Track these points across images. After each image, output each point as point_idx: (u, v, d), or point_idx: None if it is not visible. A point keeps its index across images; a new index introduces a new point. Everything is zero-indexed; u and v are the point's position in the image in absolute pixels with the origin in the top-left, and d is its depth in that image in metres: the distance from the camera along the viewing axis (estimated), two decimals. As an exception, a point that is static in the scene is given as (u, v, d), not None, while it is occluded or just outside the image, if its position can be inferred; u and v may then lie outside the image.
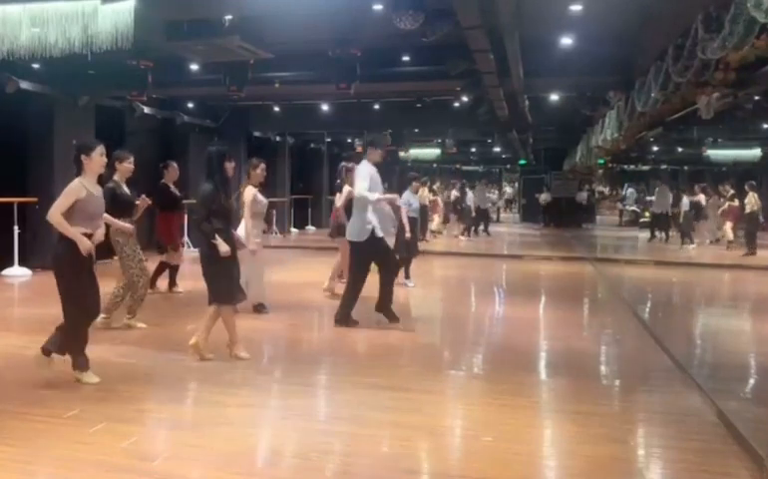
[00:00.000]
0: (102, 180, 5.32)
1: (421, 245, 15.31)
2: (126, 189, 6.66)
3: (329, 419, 4.50)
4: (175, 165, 8.93)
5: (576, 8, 8.22)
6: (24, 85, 10.52)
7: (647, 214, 24.70)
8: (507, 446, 3.94)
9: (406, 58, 10.53)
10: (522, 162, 27.59)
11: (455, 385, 5.34)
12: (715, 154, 22.60)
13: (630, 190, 31.65)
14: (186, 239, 12.66)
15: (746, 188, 15.72)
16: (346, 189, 8.34)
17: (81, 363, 4.88)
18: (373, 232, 6.73)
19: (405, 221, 9.95)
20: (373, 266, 7.11)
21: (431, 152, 24.60)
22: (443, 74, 10.37)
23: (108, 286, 6.62)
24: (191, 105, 15.38)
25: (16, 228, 10.22)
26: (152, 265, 8.85)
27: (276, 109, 16.66)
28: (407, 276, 10.14)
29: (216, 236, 5.29)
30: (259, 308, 7.61)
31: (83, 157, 4.86)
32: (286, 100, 15.66)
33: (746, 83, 8.94)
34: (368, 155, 6.95)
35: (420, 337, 7.10)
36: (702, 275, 12.83)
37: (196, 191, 6.08)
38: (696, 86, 8.28)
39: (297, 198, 21.27)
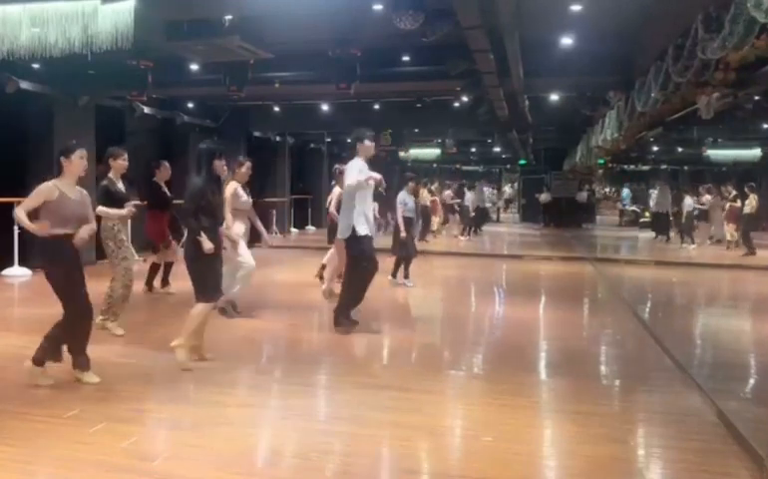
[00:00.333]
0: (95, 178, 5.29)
1: (421, 246, 15.39)
2: (120, 185, 6.64)
3: (329, 419, 4.50)
4: (166, 164, 8.89)
5: (576, 8, 8.22)
6: (24, 85, 10.53)
7: (647, 213, 24.74)
8: (507, 446, 3.94)
9: (406, 58, 10.53)
10: (522, 162, 27.59)
11: (455, 385, 5.34)
12: (715, 154, 22.61)
13: (626, 190, 31.66)
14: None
15: (746, 189, 15.72)
16: (337, 190, 8.36)
17: (81, 363, 4.87)
18: (354, 229, 6.60)
19: (400, 220, 9.98)
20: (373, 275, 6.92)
21: (431, 152, 24.61)
22: (443, 74, 10.37)
23: (102, 287, 6.64)
24: (191, 105, 15.38)
25: (16, 228, 10.22)
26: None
27: (276, 109, 16.66)
28: (406, 276, 10.12)
29: (202, 232, 5.24)
30: (228, 307, 7.36)
31: (62, 159, 4.80)
32: (286, 100, 15.66)
33: (746, 83, 8.94)
34: (358, 151, 6.79)
35: (420, 337, 7.11)
36: (702, 275, 12.83)
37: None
38: (696, 86, 8.28)
39: (297, 198, 21.27)
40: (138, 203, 6.95)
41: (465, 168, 34.80)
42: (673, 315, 9.02)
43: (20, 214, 4.63)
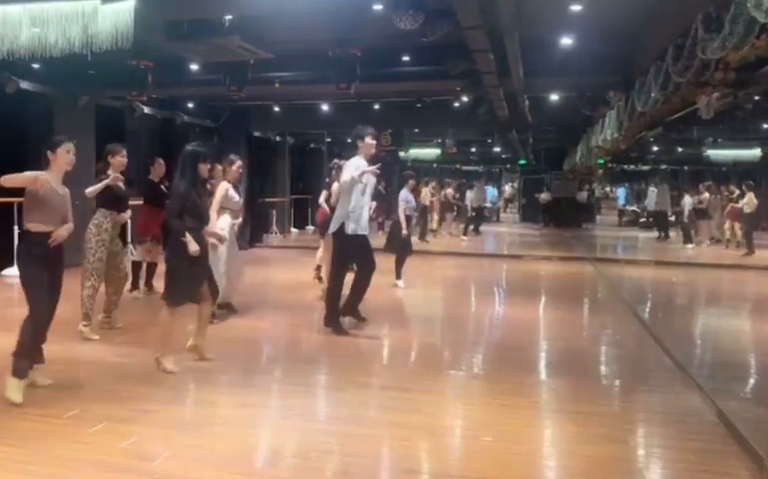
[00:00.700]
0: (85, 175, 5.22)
1: (421, 246, 15.39)
2: (120, 183, 6.61)
3: (329, 419, 4.50)
4: (161, 160, 8.85)
5: (576, 8, 8.21)
6: (24, 85, 10.52)
7: (645, 213, 24.75)
8: (507, 446, 3.94)
9: (406, 58, 10.52)
10: (522, 162, 27.56)
11: (455, 385, 5.34)
12: (715, 154, 22.59)
13: (621, 190, 31.65)
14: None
15: (744, 188, 15.72)
16: (336, 186, 8.36)
17: (19, 368, 4.52)
18: (343, 226, 6.59)
19: (402, 218, 9.98)
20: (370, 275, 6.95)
21: (431, 152, 24.58)
22: (443, 74, 10.36)
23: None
24: (191, 105, 15.37)
25: (16, 227, 10.21)
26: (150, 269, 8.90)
27: (276, 109, 16.65)
28: (398, 277, 10.06)
29: (187, 233, 5.19)
30: (226, 308, 7.33)
31: (48, 153, 4.73)
32: (286, 100, 15.64)
33: (746, 83, 8.93)
34: (359, 149, 6.80)
35: (420, 337, 7.11)
36: (702, 275, 12.83)
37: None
38: (696, 86, 8.27)
39: (297, 198, 21.26)
40: (125, 217, 6.85)
41: (465, 168, 34.77)
42: (673, 315, 9.02)
43: (7, 177, 4.47)
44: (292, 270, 11.91)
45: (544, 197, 26.48)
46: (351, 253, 6.81)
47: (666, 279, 12.17)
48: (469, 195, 21.02)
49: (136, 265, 8.78)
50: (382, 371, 5.79)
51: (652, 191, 24.10)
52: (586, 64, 10.39)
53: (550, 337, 7.21)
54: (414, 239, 11.91)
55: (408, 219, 10.20)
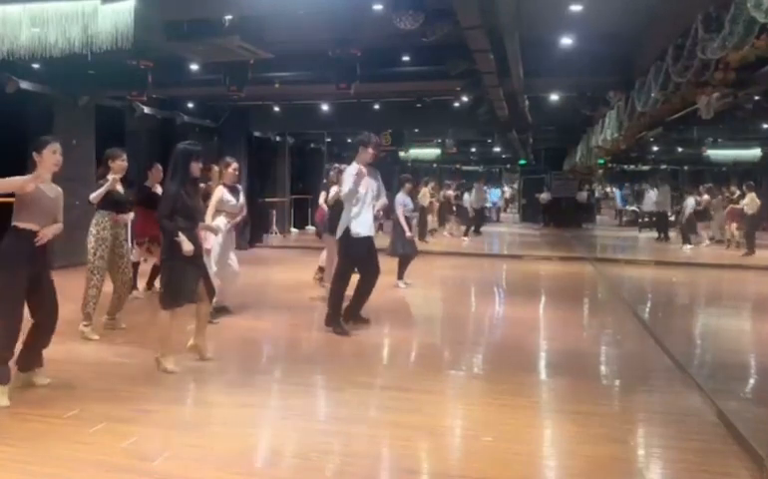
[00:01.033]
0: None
1: (421, 246, 15.38)
2: (119, 187, 6.63)
3: (329, 419, 4.50)
4: (159, 166, 8.81)
5: (577, 8, 8.20)
6: (24, 85, 10.52)
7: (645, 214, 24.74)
8: (507, 446, 3.94)
9: (406, 58, 10.52)
10: (522, 162, 27.56)
11: (455, 385, 5.34)
12: (715, 154, 22.59)
13: (617, 190, 31.63)
14: None
15: (744, 188, 15.70)
16: (334, 189, 8.41)
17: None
18: (348, 230, 6.70)
19: (402, 220, 10.02)
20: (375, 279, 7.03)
21: (431, 152, 24.59)
22: (443, 74, 10.36)
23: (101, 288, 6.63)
24: (191, 105, 15.36)
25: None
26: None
27: (276, 109, 16.64)
28: (400, 277, 10.12)
29: (180, 233, 5.18)
30: (222, 311, 7.32)
31: (34, 154, 4.66)
32: (286, 100, 15.63)
33: (746, 83, 8.93)
34: (359, 155, 6.86)
35: (420, 337, 7.11)
36: (702, 275, 12.83)
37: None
38: (696, 86, 8.27)
39: (297, 198, 21.25)
40: (126, 218, 6.89)
41: (465, 168, 34.78)
42: (673, 315, 9.02)
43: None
44: (292, 270, 11.90)
45: (544, 197, 26.48)
46: (356, 256, 6.84)
47: (666, 279, 12.17)
48: (467, 196, 20.99)
49: (134, 266, 8.78)
50: (382, 371, 5.79)
51: (649, 191, 24.21)
52: (586, 64, 10.38)
53: (550, 337, 7.21)
54: (415, 239, 11.93)
55: (407, 220, 10.24)
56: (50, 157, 4.70)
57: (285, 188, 19.94)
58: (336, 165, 9.37)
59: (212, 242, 6.91)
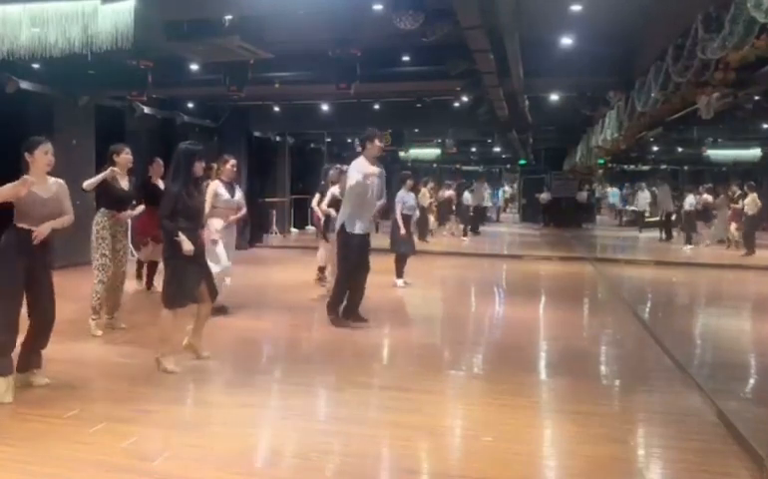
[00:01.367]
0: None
1: (421, 246, 15.38)
2: (124, 183, 6.65)
3: (329, 419, 4.50)
4: (159, 161, 8.84)
5: (577, 8, 8.20)
6: (24, 85, 10.52)
7: (647, 214, 24.71)
8: (507, 446, 3.94)
9: (406, 58, 10.52)
10: (522, 162, 27.56)
11: (455, 385, 5.34)
12: (715, 154, 22.59)
13: (613, 190, 31.63)
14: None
15: (745, 188, 15.69)
16: (334, 189, 8.46)
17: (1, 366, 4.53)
18: (344, 226, 6.81)
19: (399, 218, 10.03)
20: (376, 267, 7.21)
21: (431, 152, 24.58)
22: (443, 74, 10.36)
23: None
24: (191, 105, 15.36)
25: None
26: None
27: (276, 109, 16.64)
28: (399, 276, 10.13)
29: (180, 233, 5.19)
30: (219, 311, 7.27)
31: (26, 155, 4.65)
32: (286, 100, 15.63)
33: (746, 83, 8.93)
34: (367, 150, 6.96)
35: (420, 337, 7.11)
36: (702, 275, 12.83)
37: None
38: (696, 86, 8.27)
39: (297, 198, 21.25)
40: (128, 215, 6.91)
41: (465, 168, 34.77)
42: (673, 315, 9.02)
43: None
44: (292, 270, 11.90)
45: (544, 197, 26.48)
46: (352, 251, 6.92)
47: (666, 279, 12.17)
48: (467, 195, 20.98)
49: (139, 264, 8.84)
50: (382, 371, 5.79)
51: (645, 190, 24.24)
52: (586, 64, 10.38)
53: (550, 337, 7.21)
54: (414, 238, 11.92)
55: (407, 218, 10.24)
56: (42, 157, 4.69)
57: (285, 188, 19.94)
58: (338, 165, 9.37)
59: (216, 237, 6.94)
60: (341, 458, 3.79)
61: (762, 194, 15.69)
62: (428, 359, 6.04)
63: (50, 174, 4.80)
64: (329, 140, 21.78)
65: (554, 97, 14.67)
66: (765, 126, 17.74)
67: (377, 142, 6.97)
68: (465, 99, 12.58)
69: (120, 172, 6.62)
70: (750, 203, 15.06)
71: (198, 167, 5.41)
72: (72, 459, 3.62)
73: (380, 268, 10.33)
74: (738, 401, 4.88)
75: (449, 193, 21.42)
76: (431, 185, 20.23)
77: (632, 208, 28.05)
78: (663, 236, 19.20)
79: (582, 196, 26.78)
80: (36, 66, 10.43)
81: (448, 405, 4.85)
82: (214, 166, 7.94)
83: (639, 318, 8.04)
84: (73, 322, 6.34)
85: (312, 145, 22.62)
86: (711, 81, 7.92)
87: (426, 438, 4.07)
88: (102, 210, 6.54)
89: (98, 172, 6.84)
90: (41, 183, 4.66)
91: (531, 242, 18.97)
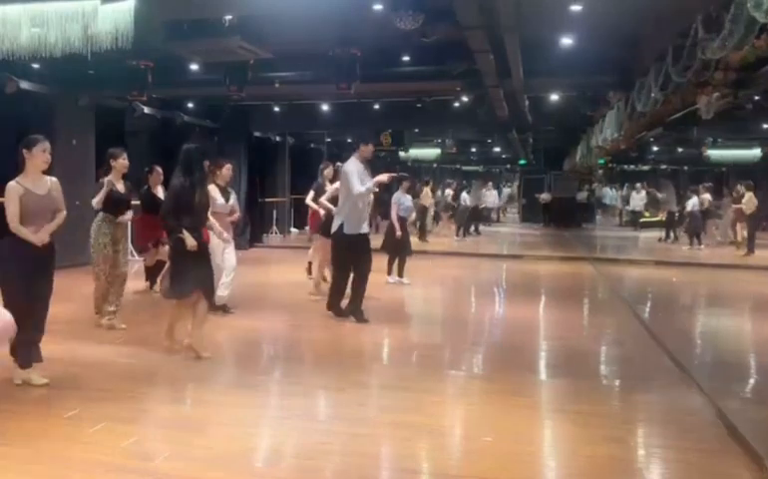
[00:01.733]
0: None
1: (422, 246, 15.40)
2: (120, 186, 6.70)
3: (329, 419, 4.50)
4: (159, 169, 8.83)
5: (576, 8, 8.20)
6: (24, 85, 10.52)
7: (647, 214, 24.70)
8: (507, 446, 3.94)
9: (406, 58, 10.52)
10: (522, 162, 27.56)
11: (455, 385, 5.34)
12: (715, 154, 22.57)
13: (606, 189, 31.64)
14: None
15: (744, 188, 15.68)
16: (332, 186, 8.49)
17: (20, 358, 4.74)
18: (342, 227, 6.95)
19: (395, 219, 10.06)
20: (375, 266, 7.33)
21: (431, 152, 24.56)
22: (443, 74, 10.37)
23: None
24: (191, 105, 15.36)
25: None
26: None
27: (276, 109, 16.64)
28: (400, 275, 10.21)
29: (184, 230, 5.34)
30: (223, 309, 7.40)
31: (24, 152, 4.72)
32: (286, 100, 15.63)
33: (746, 83, 8.94)
34: (360, 152, 7.13)
35: (420, 337, 7.11)
36: (702, 275, 12.83)
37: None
38: (696, 86, 8.29)
39: (297, 198, 21.24)
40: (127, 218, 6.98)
41: (465, 168, 34.76)
42: (673, 315, 9.01)
43: (19, 228, 4.57)
44: (292, 270, 11.89)
45: (544, 197, 26.48)
46: (351, 253, 7.04)
47: (666, 279, 12.17)
48: (464, 195, 20.99)
49: (148, 269, 8.87)
50: (382, 371, 5.79)
51: (640, 191, 24.27)
52: (586, 64, 10.39)
53: (550, 337, 7.21)
54: (413, 238, 11.97)
55: (402, 220, 10.28)
56: (40, 155, 4.76)
57: (285, 188, 19.94)
58: (339, 163, 9.37)
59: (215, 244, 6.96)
60: (341, 458, 3.79)
61: (762, 193, 15.67)
62: (428, 359, 6.04)
63: (48, 173, 4.88)
64: (329, 140, 21.79)
65: (554, 97, 14.67)
66: (765, 126, 17.74)
67: (370, 146, 7.24)
68: (465, 99, 12.59)
69: (115, 177, 6.70)
70: (747, 202, 15.04)
71: (206, 166, 5.63)
72: (72, 459, 3.62)
73: (381, 268, 10.36)
74: (738, 401, 4.89)
75: (447, 192, 21.40)
76: (431, 185, 20.22)
77: (629, 208, 28.09)
78: (666, 236, 19.03)
79: (583, 195, 26.78)
80: (36, 66, 10.43)
81: (448, 405, 4.85)
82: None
83: (639, 318, 8.04)
84: (72, 322, 6.34)
85: (312, 145, 22.62)
86: (711, 81, 7.94)
87: (426, 438, 4.07)
88: (100, 214, 6.60)
89: (98, 172, 6.87)
90: (37, 180, 4.76)
91: (531, 242, 18.97)
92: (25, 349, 4.68)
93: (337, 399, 4.85)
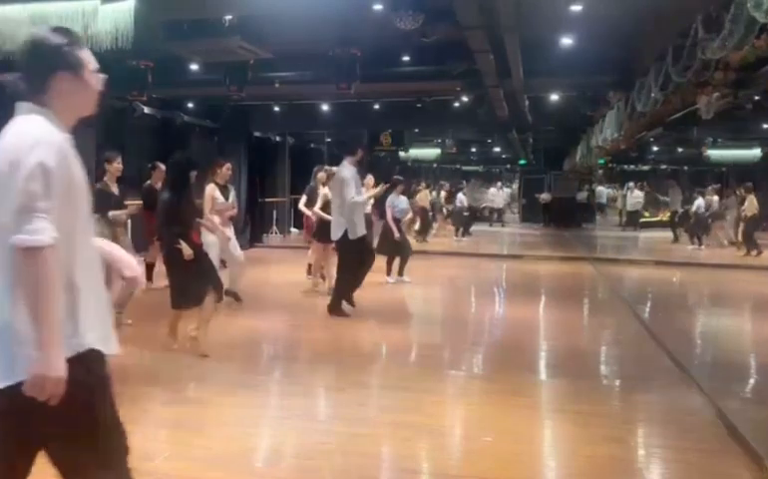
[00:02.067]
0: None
1: (422, 246, 15.40)
2: (114, 188, 6.79)
3: (329, 419, 4.50)
4: (162, 167, 8.87)
5: (577, 8, 8.20)
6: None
7: (647, 214, 24.69)
8: (507, 446, 3.94)
9: (406, 58, 10.52)
10: (522, 162, 27.53)
11: (455, 385, 5.34)
12: (715, 154, 22.58)
13: (601, 189, 31.64)
14: None
15: (743, 190, 15.66)
16: (324, 191, 8.62)
17: None
18: (346, 232, 7.11)
19: (391, 221, 10.11)
20: (375, 267, 7.50)
21: (431, 152, 24.57)
22: (443, 74, 10.37)
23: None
24: (191, 105, 15.36)
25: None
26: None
27: (276, 109, 16.64)
28: (400, 274, 10.25)
29: (180, 241, 5.48)
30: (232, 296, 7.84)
31: None
32: (286, 100, 15.62)
33: (746, 83, 8.94)
34: (354, 156, 7.31)
35: (420, 337, 7.11)
36: (702, 275, 12.83)
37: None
38: (696, 86, 8.29)
39: (297, 198, 21.21)
40: (123, 217, 7.06)
41: (465, 168, 34.73)
42: (673, 315, 9.01)
43: None
44: (292, 270, 11.88)
45: (544, 197, 26.46)
46: (357, 256, 7.29)
47: (667, 279, 12.17)
48: (460, 196, 20.98)
49: (149, 265, 8.92)
50: (382, 371, 5.80)
51: (634, 191, 24.27)
52: (587, 64, 10.39)
53: (550, 337, 7.21)
54: (411, 239, 11.99)
55: (397, 222, 10.33)
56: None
57: (285, 188, 19.94)
58: (327, 167, 9.51)
59: (212, 242, 7.01)
60: (341, 458, 3.79)
61: (762, 194, 15.65)
62: (428, 359, 6.05)
63: None
64: (329, 140, 21.79)
65: (554, 97, 14.66)
66: (765, 126, 17.74)
67: (360, 150, 7.53)
68: (465, 99, 12.58)
69: (110, 180, 6.78)
70: (748, 205, 15.04)
71: (193, 176, 5.72)
72: (72, 459, 3.62)
73: (381, 268, 10.36)
74: (738, 401, 4.89)
75: (442, 193, 21.38)
76: (422, 185, 20.17)
77: (626, 208, 28.07)
78: (675, 238, 18.84)
79: (583, 195, 26.76)
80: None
81: (448, 405, 4.85)
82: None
83: (639, 318, 8.04)
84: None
85: (312, 145, 22.62)
86: (711, 81, 7.94)
87: (426, 438, 4.07)
88: (96, 216, 6.64)
89: (97, 172, 6.90)
90: None
91: (531, 243, 18.96)
92: None
93: (337, 399, 4.85)
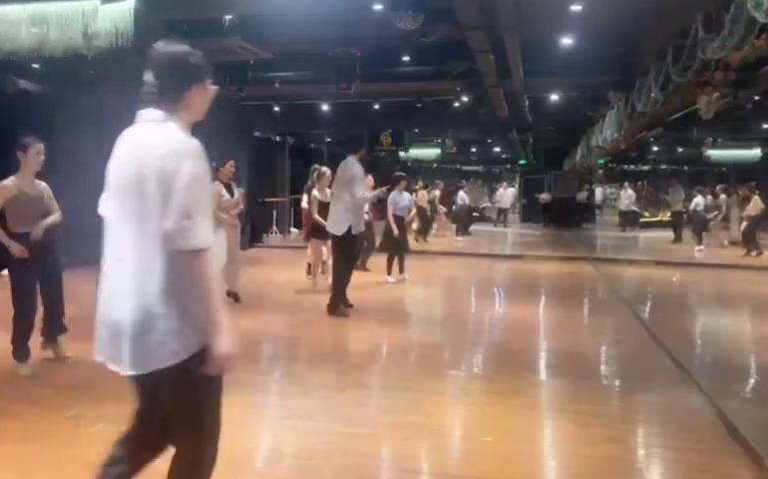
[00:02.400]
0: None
1: (422, 246, 15.40)
2: None
3: (329, 419, 4.49)
4: None
5: (576, 8, 8.21)
6: (24, 85, 10.52)
7: (647, 214, 24.70)
8: (507, 446, 3.94)
9: (406, 58, 10.53)
10: (522, 162, 27.54)
11: (455, 385, 5.34)
12: (715, 154, 22.60)
13: (598, 189, 31.67)
14: None
15: (747, 191, 15.65)
16: (316, 195, 8.81)
17: (19, 354, 5.04)
18: (350, 229, 7.18)
19: (392, 219, 10.10)
20: (374, 266, 7.53)
21: (431, 152, 24.59)
22: (443, 74, 10.39)
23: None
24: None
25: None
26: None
27: (276, 109, 16.65)
28: (401, 271, 10.24)
29: None
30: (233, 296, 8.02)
31: (19, 153, 4.87)
32: (286, 100, 15.64)
33: (746, 83, 8.95)
34: (359, 154, 7.39)
35: (420, 337, 7.11)
36: (702, 275, 12.83)
37: None
38: (696, 86, 8.29)
39: (297, 198, 21.22)
40: None
41: (465, 168, 34.74)
42: (673, 315, 9.01)
43: None
44: (292, 270, 11.89)
45: (544, 197, 26.47)
46: (354, 250, 7.56)
47: (667, 279, 12.17)
48: (461, 194, 20.98)
49: None
50: (382, 371, 5.79)
51: (627, 190, 24.29)
52: (587, 64, 10.40)
53: (550, 337, 7.21)
54: (410, 239, 11.99)
55: (400, 219, 10.31)
56: (34, 157, 4.92)
57: (285, 188, 19.95)
58: (316, 166, 9.57)
59: (218, 240, 7.06)
60: (341, 458, 3.79)
61: (762, 194, 15.64)
62: (428, 359, 6.04)
63: (49, 173, 5.04)
64: (329, 140, 21.80)
65: (554, 97, 14.68)
66: (765, 126, 17.75)
67: (362, 150, 7.59)
68: (465, 99, 12.59)
69: None
70: (753, 205, 15.02)
71: None
72: (72, 459, 3.62)
73: (380, 269, 10.36)
74: (738, 401, 4.89)
75: (435, 192, 21.35)
76: (419, 185, 20.16)
77: (633, 208, 28.06)
78: (677, 238, 18.78)
79: (583, 195, 26.77)
80: (36, 66, 10.43)
81: (448, 405, 4.85)
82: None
83: (639, 318, 8.04)
84: (74, 322, 6.32)
85: (312, 145, 22.63)
86: (711, 81, 7.95)
87: (426, 438, 4.07)
88: None
89: None
90: (29, 182, 4.92)
91: (531, 243, 18.96)
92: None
93: (337, 399, 4.85)
